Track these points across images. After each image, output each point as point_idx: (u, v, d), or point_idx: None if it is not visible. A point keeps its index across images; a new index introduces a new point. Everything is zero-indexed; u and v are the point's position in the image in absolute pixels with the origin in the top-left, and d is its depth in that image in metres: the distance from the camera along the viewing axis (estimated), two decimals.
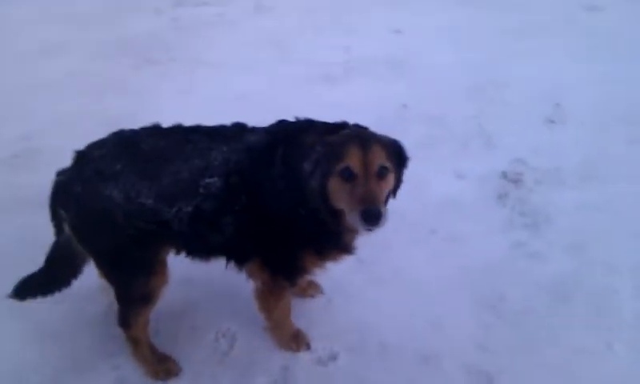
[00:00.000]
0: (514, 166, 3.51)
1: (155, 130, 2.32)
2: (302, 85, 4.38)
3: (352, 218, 1.95)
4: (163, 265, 2.31)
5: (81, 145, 2.36)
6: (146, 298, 2.30)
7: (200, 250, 2.34)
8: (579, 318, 2.66)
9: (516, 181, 3.41)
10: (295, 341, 2.54)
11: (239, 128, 2.32)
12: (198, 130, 2.31)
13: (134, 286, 2.28)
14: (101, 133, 2.94)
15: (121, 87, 4.42)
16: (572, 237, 3.05)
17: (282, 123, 2.28)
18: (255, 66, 4.72)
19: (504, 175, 3.45)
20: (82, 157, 2.24)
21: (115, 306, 2.35)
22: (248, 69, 4.66)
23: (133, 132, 2.31)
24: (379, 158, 1.99)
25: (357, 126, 2.20)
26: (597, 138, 3.71)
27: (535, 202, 3.27)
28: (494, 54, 4.55)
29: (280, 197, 2.12)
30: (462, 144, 3.71)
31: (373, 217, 1.90)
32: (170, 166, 2.16)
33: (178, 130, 2.31)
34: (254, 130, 2.29)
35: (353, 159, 1.96)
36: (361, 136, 2.06)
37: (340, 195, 1.99)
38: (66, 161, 2.54)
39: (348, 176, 1.96)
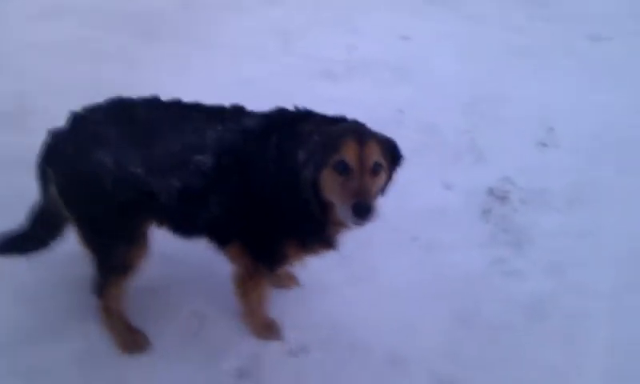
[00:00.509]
0: (502, 183, 3.56)
1: (153, 102, 2.34)
2: (303, 78, 4.40)
3: (343, 211, 1.98)
4: (145, 236, 2.34)
5: (74, 109, 2.40)
6: (125, 268, 2.33)
7: (184, 226, 2.37)
8: (552, 339, 2.72)
9: (502, 198, 3.46)
10: (268, 329, 2.58)
11: (237, 110, 2.34)
12: (195, 107, 2.34)
13: (114, 255, 2.31)
14: (95, 100, 2.96)
15: (121, 58, 4.41)
16: (552, 258, 3.10)
17: (280, 110, 2.31)
18: (258, 54, 4.73)
19: (491, 191, 3.50)
20: (76, 119, 2.27)
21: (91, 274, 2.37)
22: (251, 56, 4.67)
23: (130, 101, 2.33)
24: (375, 154, 2.03)
25: (355, 122, 2.23)
26: (586, 164, 3.76)
27: (519, 221, 3.32)
28: (494, 72, 4.60)
29: (270, 182, 2.15)
30: (453, 156, 3.75)
31: (364, 211, 1.94)
32: (164, 138, 2.20)
33: (175, 105, 2.34)
34: (251, 113, 2.32)
35: (349, 153, 1.99)
36: (358, 130, 2.11)
37: (333, 187, 2.02)
38: (58, 123, 2.57)
39: (342, 169, 1.99)
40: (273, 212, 2.20)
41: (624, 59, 5.01)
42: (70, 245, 2.49)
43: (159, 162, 2.17)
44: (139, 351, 2.44)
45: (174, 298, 2.66)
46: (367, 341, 2.61)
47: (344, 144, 2.00)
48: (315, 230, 2.23)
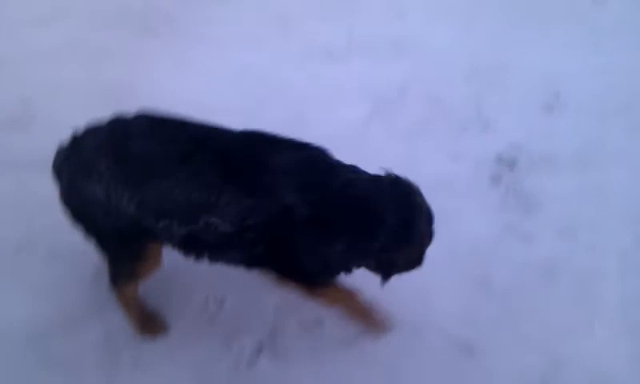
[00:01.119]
0: (510, 150, 3.62)
1: (151, 128, 2.19)
2: (303, 62, 4.46)
3: None
4: (156, 253, 2.36)
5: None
6: (134, 277, 2.42)
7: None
8: (564, 298, 2.82)
9: (511, 164, 3.53)
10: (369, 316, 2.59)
11: (262, 167, 2.09)
12: (204, 146, 2.11)
13: (122, 265, 2.40)
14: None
15: (119, 57, 4.50)
16: (563, 220, 3.19)
17: (337, 189, 2.18)
18: (256, 42, 4.78)
19: (499, 158, 3.56)
20: (75, 143, 2.27)
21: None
22: (249, 44, 4.73)
23: (127, 126, 2.22)
24: None
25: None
26: (594, 126, 3.81)
27: (529, 186, 3.40)
28: (495, 39, 4.62)
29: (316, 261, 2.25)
30: (459, 126, 3.81)
31: None
32: (159, 182, 2.08)
33: (178, 137, 2.15)
34: (286, 185, 2.07)
35: None
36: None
37: None
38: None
39: None
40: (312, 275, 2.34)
41: (623, 19, 5.01)
42: (80, 244, 2.62)
43: (154, 206, 2.11)
44: (157, 335, 2.55)
45: (191, 282, 2.75)
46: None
47: None
48: None
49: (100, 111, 3.46)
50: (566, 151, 3.63)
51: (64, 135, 3.40)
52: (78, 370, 2.46)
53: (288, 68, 4.38)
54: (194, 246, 2.25)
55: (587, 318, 2.72)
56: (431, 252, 2.97)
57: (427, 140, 3.67)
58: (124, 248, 2.32)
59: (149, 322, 2.56)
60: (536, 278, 2.90)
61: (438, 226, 3.11)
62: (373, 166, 3.34)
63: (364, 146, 3.59)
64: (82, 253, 2.74)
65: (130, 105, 3.54)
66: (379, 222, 2.16)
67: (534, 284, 2.87)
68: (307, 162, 2.15)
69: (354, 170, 2.27)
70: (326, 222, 2.11)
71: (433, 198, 3.25)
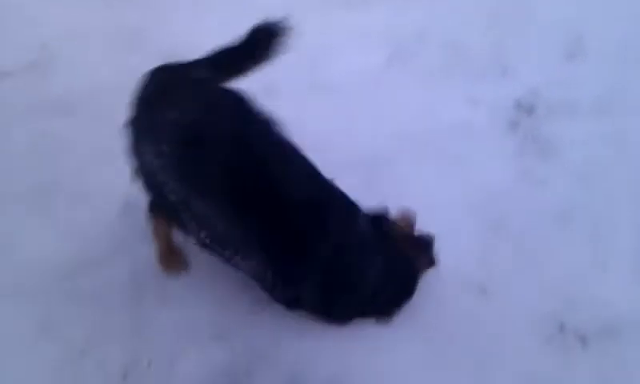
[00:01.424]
0: (529, 95, 3.62)
1: (229, 140, 2.08)
2: (318, 8, 4.42)
3: None
4: None
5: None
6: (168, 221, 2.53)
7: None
8: (579, 243, 2.88)
9: (529, 110, 3.54)
10: None
11: (301, 251, 2.21)
12: (265, 193, 2.08)
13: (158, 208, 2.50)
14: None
15: (134, 1, 4.50)
16: (580, 167, 3.22)
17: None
18: None
19: (518, 104, 3.58)
20: (157, 97, 2.21)
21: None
22: None
23: (211, 120, 2.12)
24: None
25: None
26: (616, 73, 3.77)
27: (547, 132, 3.42)
28: None
29: None
30: (478, 72, 3.81)
31: None
32: (207, 201, 2.12)
33: (244, 165, 2.07)
34: (312, 276, 2.28)
35: None
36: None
37: None
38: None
39: None
40: None
41: None
42: (107, 178, 2.72)
43: (199, 219, 2.19)
44: (179, 271, 2.66)
45: None
46: None
47: None
48: None
49: (119, 56, 3.55)
50: (586, 98, 3.62)
51: (84, 79, 3.50)
52: (105, 306, 2.59)
53: (303, 13, 4.30)
54: (217, 254, 2.37)
55: (601, 262, 2.78)
56: (448, 195, 3.07)
57: (445, 86, 3.69)
58: (160, 205, 2.44)
59: (173, 257, 2.66)
60: (551, 223, 2.95)
61: (456, 171, 3.21)
62: (391, 112, 3.42)
63: (382, 93, 3.63)
64: (106, 193, 2.87)
65: (149, 50, 3.61)
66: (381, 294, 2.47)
67: (548, 228, 2.93)
68: (342, 255, 2.27)
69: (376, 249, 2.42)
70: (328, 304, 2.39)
71: (450, 143, 3.33)
